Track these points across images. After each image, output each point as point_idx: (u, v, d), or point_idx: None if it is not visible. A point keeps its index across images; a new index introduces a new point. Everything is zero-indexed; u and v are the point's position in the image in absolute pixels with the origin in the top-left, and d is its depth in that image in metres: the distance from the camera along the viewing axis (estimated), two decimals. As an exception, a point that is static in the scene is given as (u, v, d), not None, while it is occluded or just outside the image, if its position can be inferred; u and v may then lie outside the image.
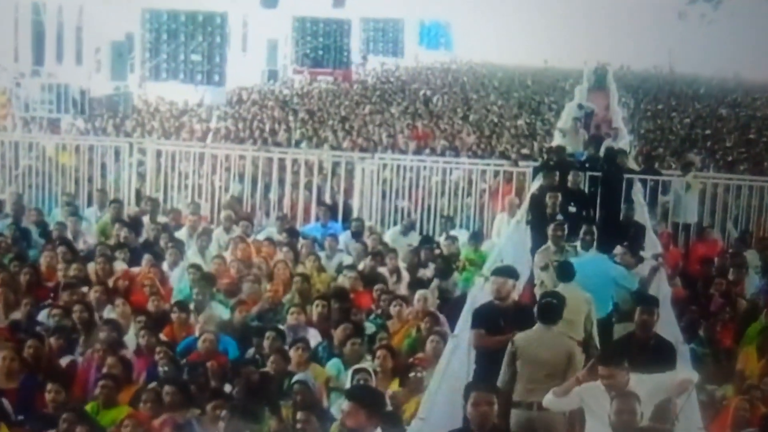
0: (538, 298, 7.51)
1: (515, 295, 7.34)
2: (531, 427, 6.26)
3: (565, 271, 7.73)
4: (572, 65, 44.26)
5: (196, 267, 9.43)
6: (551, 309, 6.60)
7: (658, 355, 6.25)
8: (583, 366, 6.12)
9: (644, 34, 50.00)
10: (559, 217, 10.08)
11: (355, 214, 12.50)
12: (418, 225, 12.46)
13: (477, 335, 6.89)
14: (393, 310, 8.39)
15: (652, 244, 9.85)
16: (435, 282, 9.31)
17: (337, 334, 7.80)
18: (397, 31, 40.01)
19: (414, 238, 11.41)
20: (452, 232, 11.55)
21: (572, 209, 10.77)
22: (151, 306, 8.62)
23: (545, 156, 13.15)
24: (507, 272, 7.10)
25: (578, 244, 9.09)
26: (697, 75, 45.33)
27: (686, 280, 9.90)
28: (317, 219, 12.18)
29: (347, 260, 10.25)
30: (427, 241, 10.98)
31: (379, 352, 7.27)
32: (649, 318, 6.64)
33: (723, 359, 7.76)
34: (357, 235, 11.12)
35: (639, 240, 9.99)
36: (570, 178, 11.30)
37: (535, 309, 6.74)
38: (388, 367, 7.18)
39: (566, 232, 9.15)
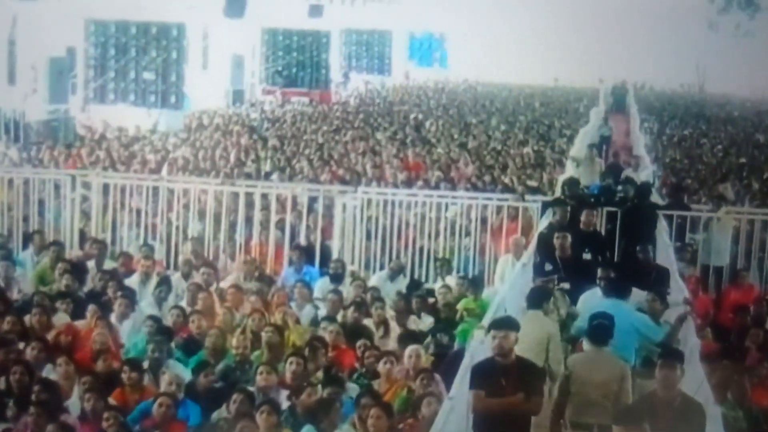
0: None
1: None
2: None
3: (600, 332, 7.88)
4: (586, 84, 44.83)
5: (153, 319, 9.52)
6: (602, 330, 7.67)
7: (684, 417, 6.40)
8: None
9: (669, 48, 50.62)
10: (548, 266, 10.27)
11: (334, 257, 12.57)
12: (408, 269, 12.58)
13: (476, 397, 6.96)
14: (382, 368, 8.49)
15: (679, 290, 9.96)
16: (429, 337, 9.44)
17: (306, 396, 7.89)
18: (384, 45, 40.43)
19: (403, 285, 11.59)
20: (448, 278, 11.71)
21: (587, 256, 10.97)
22: (98, 365, 8.66)
23: (556, 189, 13.39)
24: (507, 324, 7.22)
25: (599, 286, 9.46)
26: (730, 95, 45.89)
27: (718, 331, 10.04)
28: (290, 263, 12.32)
29: (322, 311, 10.37)
30: (418, 286, 11.09)
31: (372, 411, 7.29)
32: (671, 374, 6.77)
33: (761, 422, 7.82)
34: (335, 281, 11.28)
35: (662, 285, 10.14)
36: (582, 218, 11.45)
37: (586, 331, 7.86)
38: (384, 430, 7.25)
39: (554, 283, 9.67)
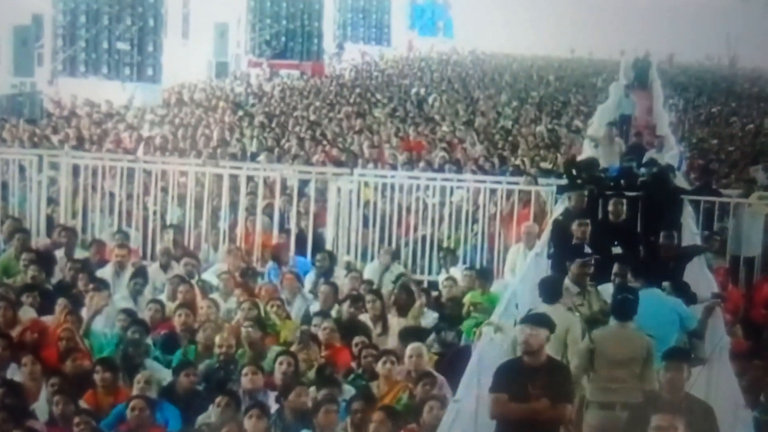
0: None
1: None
2: (614, 427, 7.25)
3: (624, 307, 8.08)
4: (606, 56, 44.76)
5: (127, 313, 9.51)
6: (627, 305, 7.98)
7: (690, 423, 6.33)
8: None
9: (697, 17, 50.48)
10: (587, 249, 10.32)
11: (328, 247, 12.61)
12: (408, 259, 12.70)
13: (498, 402, 6.84)
14: (381, 368, 8.49)
15: (707, 283, 9.96)
16: (433, 334, 9.45)
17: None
18: (383, 12, 40.36)
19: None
20: (453, 270, 11.73)
21: (616, 249, 11.00)
22: (68, 365, 8.63)
23: (572, 171, 13.33)
24: (541, 321, 7.16)
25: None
26: (763, 69, 45.76)
27: (749, 327, 10.08)
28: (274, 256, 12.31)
29: (315, 305, 10.43)
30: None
31: (376, 416, 7.30)
32: (677, 375, 6.87)
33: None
34: (323, 276, 11.24)
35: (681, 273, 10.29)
36: (611, 207, 11.50)
37: (610, 306, 8.23)
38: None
39: (591, 270, 9.60)
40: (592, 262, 9.81)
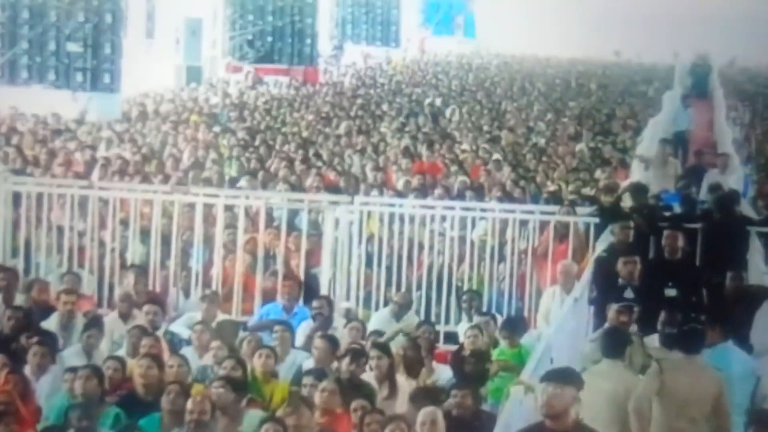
0: None
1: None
2: None
3: (693, 339, 8.48)
4: (657, 59, 44.64)
5: (79, 372, 9.32)
6: (696, 335, 8.28)
7: None
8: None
9: (765, 14, 50.51)
10: (628, 293, 10.47)
11: (324, 291, 12.57)
12: (422, 305, 12.69)
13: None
14: (387, 438, 8.47)
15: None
16: (450, 397, 9.35)
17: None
18: (390, 7, 40.32)
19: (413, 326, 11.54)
20: (476, 318, 11.64)
21: (670, 292, 11.12)
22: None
23: (618, 199, 13.42)
24: (564, 376, 7.17)
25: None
26: None
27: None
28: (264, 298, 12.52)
29: (307, 362, 10.41)
30: (428, 324, 11.20)
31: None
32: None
33: None
34: (322, 324, 11.28)
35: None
36: (666, 241, 11.55)
37: (676, 336, 8.52)
38: None
39: (633, 316, 9.93)
40: (635, 307, 10.01)
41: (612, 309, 10.01)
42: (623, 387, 8.51)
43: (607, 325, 9.11)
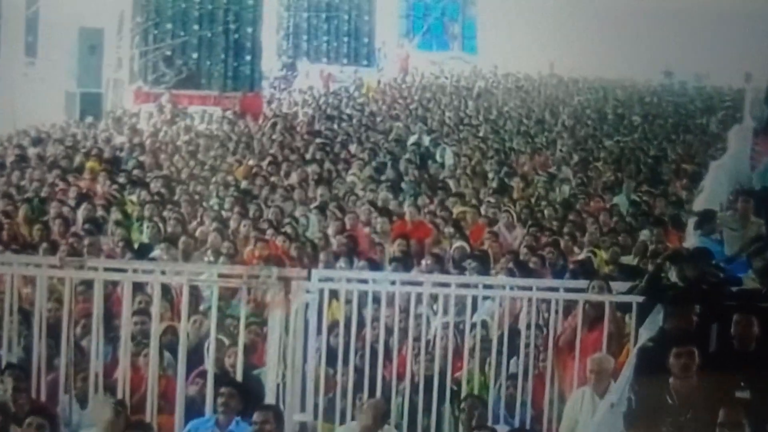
0: None
1: None
2: None
3: None
4: (722, 82, 42.01)
5: None
6: None
7: None
8: None
9: None
10: None
11: (270, 399, 11.61)
12: (405, 418, 12.15)
13: None
14: None
15: None
16: None
17: None
18: (361, 13, 38.54)
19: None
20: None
21: (742, 395, 10.15)
22: None
23: (669, 270, 12.36)
24: None
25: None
26: None
27: None
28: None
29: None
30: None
31: None
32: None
33: None
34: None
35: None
36: (736, 327, 10.65)
37: None
38: None
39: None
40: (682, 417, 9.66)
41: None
42: None
43: None
